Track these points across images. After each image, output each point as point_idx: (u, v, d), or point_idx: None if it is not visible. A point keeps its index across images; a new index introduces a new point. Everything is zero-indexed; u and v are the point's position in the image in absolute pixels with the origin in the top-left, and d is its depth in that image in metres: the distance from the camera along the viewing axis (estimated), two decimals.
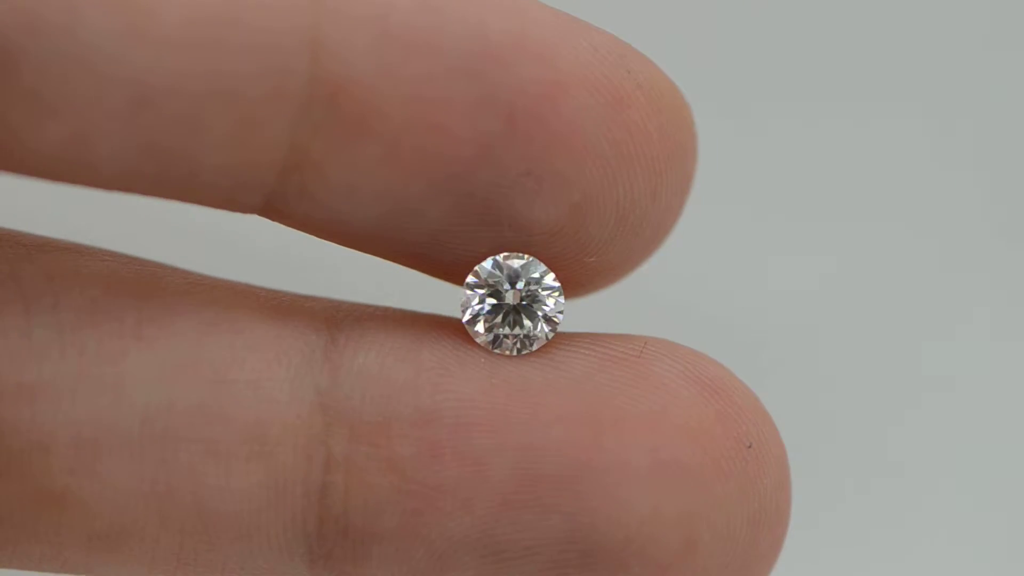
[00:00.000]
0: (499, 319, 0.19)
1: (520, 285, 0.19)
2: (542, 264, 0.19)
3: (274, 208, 0.18)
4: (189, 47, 0.16)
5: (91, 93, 0.16)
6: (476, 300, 0.19)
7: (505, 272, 0.19)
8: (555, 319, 0.19)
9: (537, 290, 0.19)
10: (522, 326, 0.19)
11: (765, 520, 0.19)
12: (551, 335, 0.19)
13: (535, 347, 0.19)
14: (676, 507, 0.18)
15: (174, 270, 0.20)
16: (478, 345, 0.19)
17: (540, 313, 0.19)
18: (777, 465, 0.19)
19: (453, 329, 0.20)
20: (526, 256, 0.19)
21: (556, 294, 0.19)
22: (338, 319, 0.20)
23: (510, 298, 0.19)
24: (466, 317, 0.19)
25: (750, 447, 0.19)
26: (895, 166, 0.32)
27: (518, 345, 0.19)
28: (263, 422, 0.18)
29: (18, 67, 0.16)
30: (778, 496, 0.19)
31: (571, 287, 0.20)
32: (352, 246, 0.19)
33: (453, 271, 0.19)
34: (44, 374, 0.18)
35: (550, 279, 0.19)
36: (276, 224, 0.19)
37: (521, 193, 0.18)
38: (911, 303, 0.31)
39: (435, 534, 0.19)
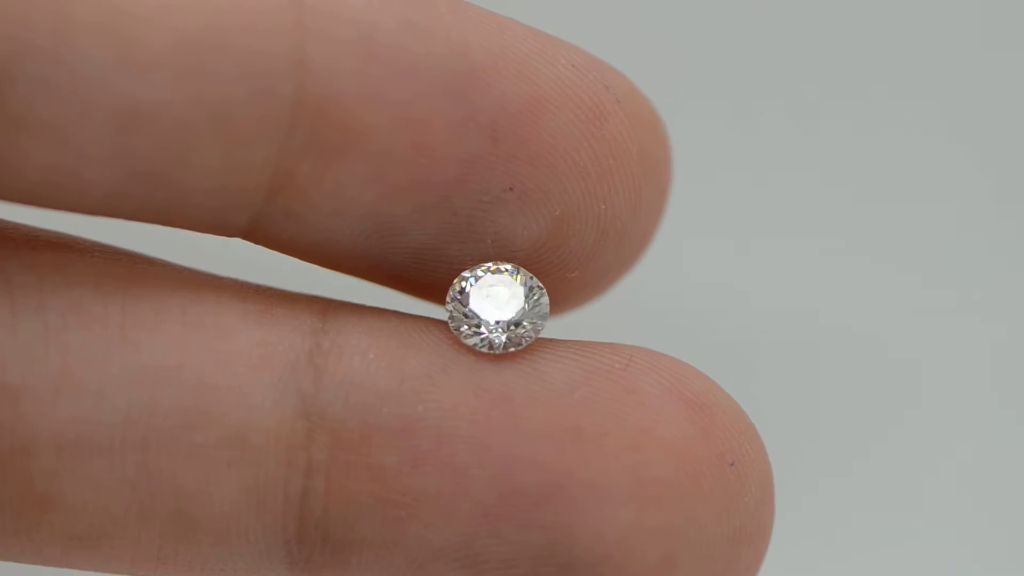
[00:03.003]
0: (483, 325, 0.19)
1: (504, 311, 0.19)
2: (527, 274, 0.19)
3: (259, 230, 0.18)
4: (176, 72, 0.16)
5: (78, 120, 0.16)
6: (459, 306, 0.19)
7: (488, 297, 0.19)
8: (539, 324, 0.19)
9: (520, 306, 0.19)
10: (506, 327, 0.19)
11: (745, 537, 0.19)
12: (535, 336, 0.19)
13: (523, 344, 0.19)
14: (655, 523, 0.18)
15: (163, 264, 0.20)
16: (464, 346, 0.19)
17: (525, 319, 0.19)
18: (760, 483, 0.19)
19: (439, 330, 0.19)
20: (509, 266, 0.19)
21: (541, 298, 0.19)
22: (324, 320, 0.19)
23: (495, 319, 0.19)
24: (451, 321, 0.19)
25: (732, 465, 0.19)
26: (885, 170, 0.31)
27: (504, 346, 0.19)
28: (245, 427, 0.18)
29: (4, 93, 0.16)
30: (760, 514, 0.19)
31: (554, 303, 0.20)
32: (336, 268, 0.19)
33: (437, 290, 0.19)
34: (28, 375, 0.18)
35: (535, 288, 0.19)
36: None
37: (504, 209, 0.19)
38: (900, 307, 0.31)
39: (414, 543, 0.19)
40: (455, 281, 0.19)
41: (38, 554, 0.19)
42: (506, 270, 0.19)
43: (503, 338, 0.19)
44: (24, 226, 0.19)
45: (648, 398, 0.19)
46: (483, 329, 0.19)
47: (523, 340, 0.19)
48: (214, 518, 0.19)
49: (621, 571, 0.19)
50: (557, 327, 0.20)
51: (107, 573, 0.19)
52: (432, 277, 0.19)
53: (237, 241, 0.19)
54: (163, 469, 0.18)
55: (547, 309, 0.19)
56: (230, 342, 0.19)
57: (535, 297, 0.19)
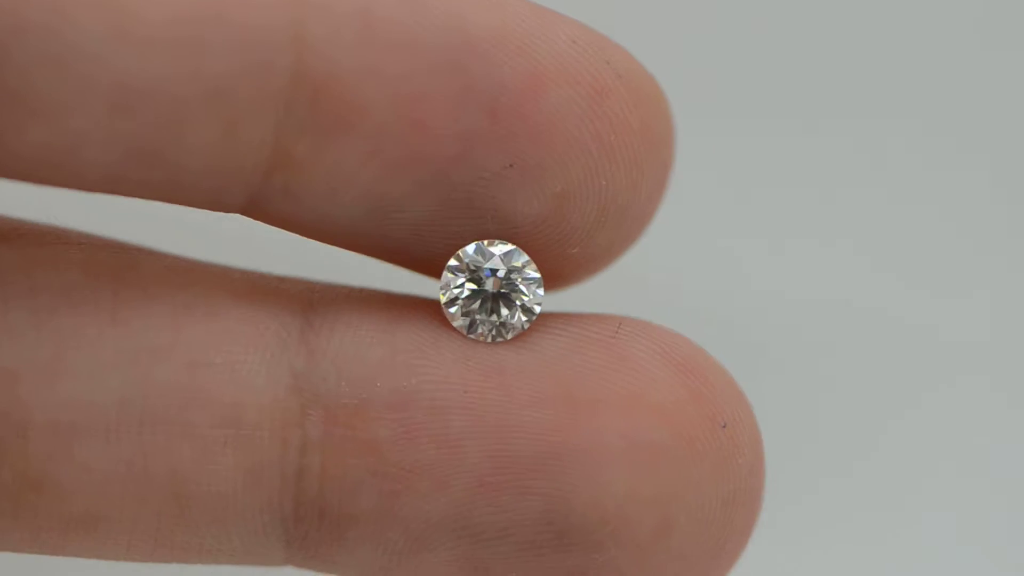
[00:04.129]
0: (477, 305, 0.19)
1: (501, 273, 0.19)
2: (524, 254, 0.19)
3: (257, 207, 0.18)
4: (173, 46, 0.16)
5: (74, 95, 0.16)
6: (456, 284, 0.19)
7: (486, 259, 0.19)
8: (533, 309, 0.19)
9: (517, 279, 0.19)
10: (499, 314, 0.19)
11: (740, 500, 0.19)
12: (527, 325, 0.19)
13: (510, 335, 0.19)
14: (651, 488, 0.19)
15: (151, 252, 0.20)
16: (454, 329, 0.19)
17: (518, 302, 0.19)
18: (751, 445, 0.19)
19: (429, 311, 0.20)
20: (509, 244, 0.19)
21: (535, 284, 0.19)
22: (313, 300, 0.20)
23: (489, 285, 0.19)
24: (444, 299, 0.19)
25: (724, 427, 0.19)
26: (889, 155, 0.32)
27: (493, 332, 0.19)
28: (239, 405, 0.18)
29: (0, 68, 0.16)
30: (752, 476, 0.19)
31: (554, 279, 0.20)
32: (335, 243, 0.19)
33: (435, 266, 0.19)
34: (21, 359, 0.18)
35: (531, 269, 0.19)
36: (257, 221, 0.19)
37: (504, 186, 0.18)
38: (894, 289, 0.31)
39: (411, 515, 0.19)
40: (451, 260, 0.19)
41: (35, 540, 0.19)
42: (504, 251, 0.19)
43: (491, 325, 0.19)
44: (12, 218, 0.19)
45: (638, 364, 0.19)
46: (474, 306, 0.19)
47: (510, 331, 0.19)
48: (211, 498, 0.19)
49: (618, 537, 0.19)
50: (551, 302, 0.20)
51: (104, 558, 0.19)
52: (432, 252, 0.19)
53: (232, 218, 0.19)
54: (159, 449, 0.18)
55: (541, 298, 0.19)
56: (221, 322, 0.19)
57: (531, 280, 0.19)
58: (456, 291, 0.19)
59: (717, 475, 0.19)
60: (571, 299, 0.21)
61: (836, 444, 0.31)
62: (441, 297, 0.19)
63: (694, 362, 0.19)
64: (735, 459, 0.19)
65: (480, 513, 0.19)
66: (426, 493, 0.19)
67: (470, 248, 0.19)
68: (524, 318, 0.19)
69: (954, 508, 0.31)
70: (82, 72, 0.16)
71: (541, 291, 0.19)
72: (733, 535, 0.19)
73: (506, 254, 0.19)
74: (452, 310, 0.19)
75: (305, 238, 0.19)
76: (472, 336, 0.19)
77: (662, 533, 0.19)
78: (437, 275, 0.19)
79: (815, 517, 0.30)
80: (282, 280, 0.20)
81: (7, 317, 0.18)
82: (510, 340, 0.19)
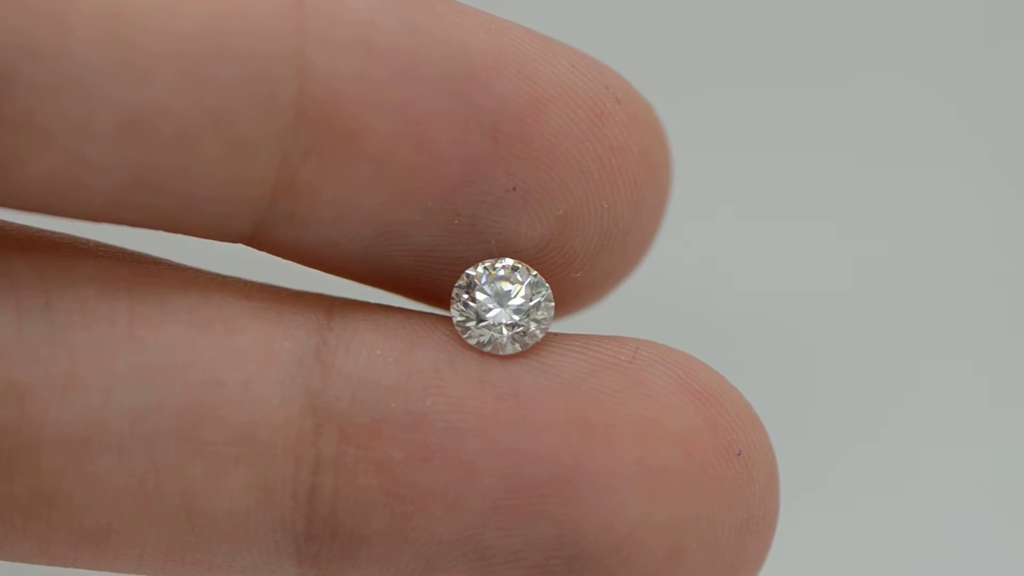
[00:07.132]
0: (489, 322, 0.19)
1: (514, 293, 0.19)
2: (532, 271, 0.19)
3: (263, 235, 0.18)
4: (176, 78, 0.16)
5: (78, 127, 0.16)
6: (467, 301, 0.19)
7: (494, 295, 0.19)
8: (545, 322, 0.19)
9: (526, 304, 0.19)
10: (512, 326, 0.19)
11: (753, 527, 0.19)
12: (541, 335, 0.19)
13: (528, 346, 0.19)
14: (664, 515, 0.19)
15: (168, 264, 0.20)
16: (470, 347, 0.19)
17: (532, 317, 0.19)
18: (766, 472, 0.19)
19: (445, 327, 0.20)
20: (513, 263, 0.19)
21: (547, 297, 0.19)
22: (330, 317, 0.20)
23: (501, 318, 0.19)
24: (456, 319, 0.19)
25: (739, 455, 0.19)
26: (885, 163, 0.32)
27: (509, 341, 0.19)
28: (253, 423, 0.18)
29: (3, 100, 0.16)
30: (766, 503, 0.19)
31: (559, 306, 0.20)
32: (339, 273, 0.19)
33: (441, 291, 0.20)
34: (35, 374, 0.18)
35: (540, 286, 0.19)
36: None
37: (507, 210, 0.19)
38: (897, 299, 0.31)
39: (423, 537, 0.19)
40: (460, 279, 0.19)
41: (45, 552, 0.19)
42: (511, 266, 0.19)
43: (507, 336, 0.19)
44: (29, 227, 0.19)
45: (655, 390, 0.19)
46: (488, 320, 0.19)
47: (528, 341, 0.19)
48: (222, 515, 0.19)
49: (629, 563, 0.19)
50: (562, 322, 0.20)
51: (115, 572, 0.19)
52: (437, 279, 0.19)
53: (241, 246, 0.19)
54: (171, 466, 0.18)
55: (552, 308, 0.19)
56: (236, 339, 0.19)
57: (541, 292, 0.19)
58: (468, 310, 0.19)
59: (730, 503, 0.19)
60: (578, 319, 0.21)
61: (832, 442, 0.31)
62: (453, 317, 0.19)
63: (711, 389, 0.19)
64: (749, 487, 0.19)
65: (492, 536, 0.19)
66: (439, 515, 0.19)
67: (479, 267, 0.19)
68: (538, 329, 0.19)
69: (951, 505, 0.31)
70: (85, 103, 0.16)
71: (551, 303, 0.19)
72: (746, 563, 0.19)
73: (514, 268, 0.19)
74: (466, 330, 0.19)
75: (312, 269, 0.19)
76: (487, 349, 0.19)
77: (674, 560, 0.19)
78: (443, 305, 0.20)
79: (819, 517, 0.30)
80: (300, 295, 0.20)
81: (22, 331, 0.18)
82: (527, 355, 0.19)
